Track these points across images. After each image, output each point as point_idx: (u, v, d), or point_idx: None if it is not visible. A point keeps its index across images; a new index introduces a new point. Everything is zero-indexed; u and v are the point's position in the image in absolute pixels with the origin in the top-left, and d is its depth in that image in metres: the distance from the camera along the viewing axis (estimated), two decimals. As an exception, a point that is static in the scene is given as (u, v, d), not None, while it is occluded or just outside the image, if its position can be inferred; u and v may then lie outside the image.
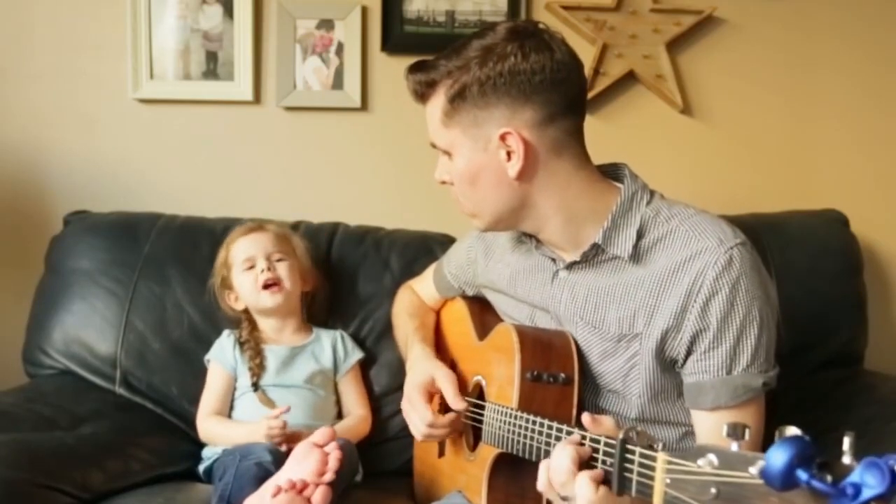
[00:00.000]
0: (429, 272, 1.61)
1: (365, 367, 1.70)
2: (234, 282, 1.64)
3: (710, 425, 1.10)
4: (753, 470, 0.66)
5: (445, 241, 1.77)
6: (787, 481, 0.62)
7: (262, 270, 1.59)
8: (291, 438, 1.43)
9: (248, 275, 1.61)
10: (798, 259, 1.76)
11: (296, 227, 1.81)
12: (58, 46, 1.98)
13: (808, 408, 1.55)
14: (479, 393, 1.30)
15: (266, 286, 1.59)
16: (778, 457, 0.61)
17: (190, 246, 1.77)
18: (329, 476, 1.24)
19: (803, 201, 1.99)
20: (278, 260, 1.63)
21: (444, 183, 1.22)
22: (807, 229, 1.84)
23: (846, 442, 0.62)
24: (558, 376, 1.14)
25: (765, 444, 1.07)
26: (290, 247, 1.68)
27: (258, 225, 1.70)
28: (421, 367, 1.34)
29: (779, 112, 2.08)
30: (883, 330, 2.00)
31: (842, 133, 2.08)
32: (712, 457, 0.72)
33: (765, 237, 1.74)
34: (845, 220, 1.88)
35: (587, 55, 1.98)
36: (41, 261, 1.80)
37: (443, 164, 1.21)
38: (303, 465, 1.25)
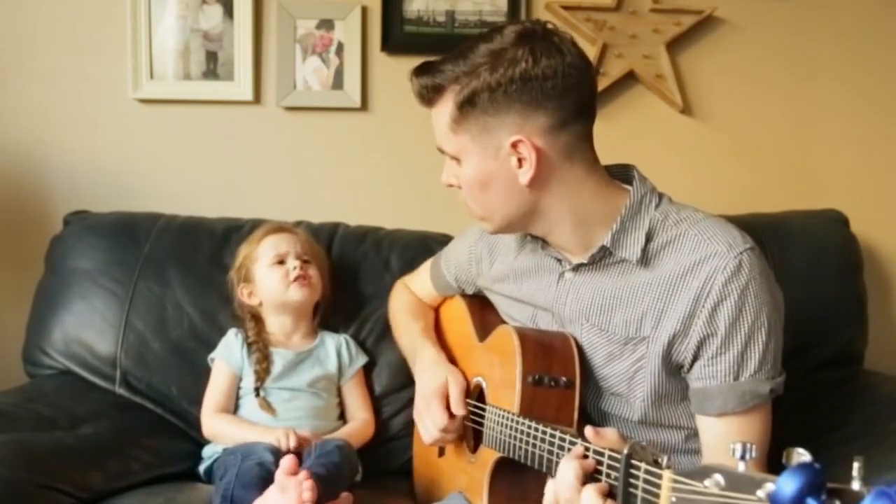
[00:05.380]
0: (424, 269, 1.60)
1: (366, 368, 1.70)
2: (256, 276, 1.64)
3: (716, 432, 1.09)
4: (761, 493, 0.65)
5: (445, 241, 1.76)
6: None
7: (295, 267, 1.61)
8: (299, 443, 1.44)
9: (277, 269, 1.61)
10: (798, 259, 1.75)
11: (296, 227, 1.80)
12: (58, 46, 1.98)
13: (808, 408, 1.55)
14: (480, 394, 1.30)
15: (296, 280, 1.60)
16: (788, 485, 0.61)
17: (190, 246, 1.76)
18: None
19: (803, 201, 1.99)
20: (306, 261, 1.64)
21: (451, 186, 1.21)
22: (807, 229, 1.84)
23: (855, 467, 0.61)
24: (560, 380, 1.14)
25: (771, 451, 1.07)
26: (315, 253, 1.70)
27: (287, 226, 1.72)
28: (436, 370, 1.33)
29: (779, 112, 2.08)
30: (883, 330, 2.00)
31: (842, 133, 2.08)
32: (719, 477, 0.71)
33: (765, 237, 1.73)
34: (845, 220, 1.88)
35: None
36: (41, 261, 1.80)
37: (450, 167, 1.19)
38: (285, 496, 1.24)
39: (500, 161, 1.11)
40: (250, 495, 1.29)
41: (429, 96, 1.15)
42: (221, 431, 1.54)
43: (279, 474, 1.26)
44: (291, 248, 1.64)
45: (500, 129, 1.10)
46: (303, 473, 1.25)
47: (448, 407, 1.29)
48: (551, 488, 0.95)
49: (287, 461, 1.27)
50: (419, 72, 1.16)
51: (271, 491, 1.26)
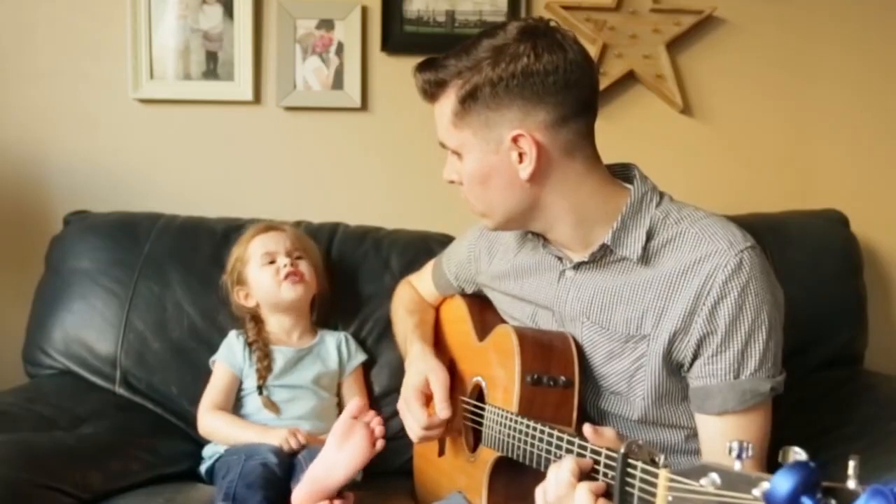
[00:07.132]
0: (427, 268, 1.60)
1: (366, 367, 1.70)
2: (249, 277, 1.64)
3: (716, 431, 1.09)
4: (756, 492, 0.66)
5: (445, 241, 1.76)
6: None
7: (285, 264, 1.61)
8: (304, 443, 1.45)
9: (268, 269, 1.61)
10: (798, 259, 1.76)
11: (296, 227, 1.80)
12: (58, 46, 1.98)
13: (808, 408, 1.55)
14: (479, 394, 1.30)
15: (287, 277, 1.60)
16: (783, 484, 0.61)
17: (190, 246, 1.77)
18: (381, 443, 1.25)
19: (803, 201, 2.00)
20: (298, 257, 1.64)
21: (452, 182, 1.21)
22: (807, 229, 1.84)
23: (851, 466, 0.61)
24: (558, 379, 1.14)
25: (770, 450, 1.07)
26: (307, 248, 1.69)
27: (275, 224, 1.72)
28: (417, 367, 1.33)
29: (779, 112, 2.08)
30: (883, 330, 2.00)
31: (842, 133, 2.08)
32: (715, 476, 0.71)
33: (765, 237, 1.73)
34: (845, 220, 1.88)
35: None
36: (41, 261, 1.80)
37: (452, 163, 1.19)
38: (351, 440, 1.24)
39: (501, 156, 1.12)
40: (253, 494, 1.29)
41: (431, 91, 1.16)
42: (216, 428, 1.53)
43: (342, 419, 1.27)
44: (280, 246, 1.64)
45: (502, 124, 1.10)
46: (370, 413, 1.26)
47: (428, 403, 1.28)
48: (542, 486, 0.95)
49: (357, 402, 1.29)
50: (422, 67, 1.16)
51: (327, 448, 1.26)
